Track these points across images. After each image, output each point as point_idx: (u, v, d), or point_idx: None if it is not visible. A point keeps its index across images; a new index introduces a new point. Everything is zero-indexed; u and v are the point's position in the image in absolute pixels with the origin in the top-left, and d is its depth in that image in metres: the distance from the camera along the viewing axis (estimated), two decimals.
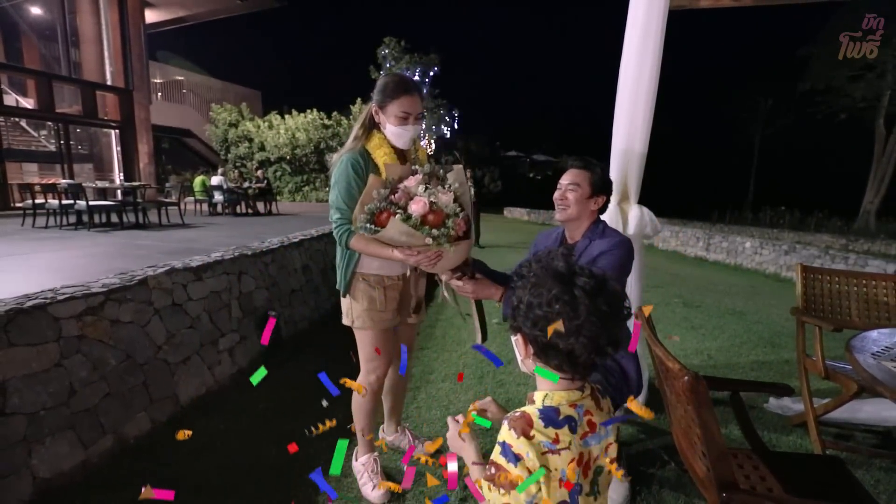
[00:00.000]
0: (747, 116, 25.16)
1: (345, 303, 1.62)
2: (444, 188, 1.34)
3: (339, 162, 1.48)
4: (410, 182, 1.36)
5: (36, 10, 13.13)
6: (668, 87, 2.20)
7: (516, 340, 0.80)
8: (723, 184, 28.74)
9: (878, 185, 16.14)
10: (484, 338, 1.61)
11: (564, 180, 1.62)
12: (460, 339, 3.48)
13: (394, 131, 1.50)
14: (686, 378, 0.84)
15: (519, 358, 0.84)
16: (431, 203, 1.28)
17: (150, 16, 14.27)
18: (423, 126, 1.82)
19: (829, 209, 16.33)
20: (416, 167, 1.42)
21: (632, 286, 2.49)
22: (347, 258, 1.55)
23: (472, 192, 8.81)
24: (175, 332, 2.35)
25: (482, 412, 0.99)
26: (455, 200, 1.33)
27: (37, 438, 1.65)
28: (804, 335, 2.22)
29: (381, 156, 1.47)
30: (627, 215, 2.46)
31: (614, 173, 2.46)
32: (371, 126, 1.54)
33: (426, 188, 1.32)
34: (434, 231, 1.26)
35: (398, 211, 1.28)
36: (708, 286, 6.18)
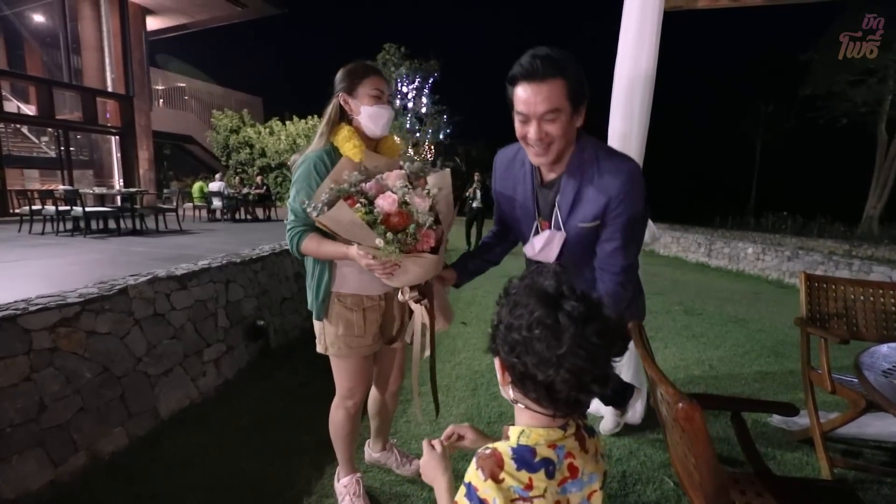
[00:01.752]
0: (748, 121, 25.11)
1: (317, 326, 1.46)
2: (425, 193, 1.21)
3: (302, 162, 1.34)
4: (390, 176, 1.22)
5: (38, 18, 13.20)
6: (668, 90, 2.13)
7: (496, 364, 0.72)
8: (724, 189, 28.65)
9: (881, 190, 16.04)
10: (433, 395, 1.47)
11: (537, 106, 1.07)
12: (454, 349, 3.39)
13: (370, 112, 1.35)
14: (681, 405, 0.76)
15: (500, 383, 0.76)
16: (402, 203, 1.14)
17: (152, 23, 14.32)
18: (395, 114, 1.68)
19: (831, 214, 16.22)
20: (403, 162, 1.30)
21: None
22: (318, 276, 1.40)
23: (478, 197, 8.71)
24: (156, 344, 2.27)
25: (458, 438, 0.90)
26: (431, 209, 1.18)
27: (2, 457, 1.57)
28: (809, 346, 2.13)
29: (349, 149, 1.32)
30: None
31: None
32: (339, 120, 1.40)
33: (406, 186, 1.19)
34: (388, 234, 1.11)
35: (362, 201, 1.15)
36: (709, 293, 6.09)
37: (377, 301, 1.46)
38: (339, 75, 1.40)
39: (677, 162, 27.26)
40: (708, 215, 19.62)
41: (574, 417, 0.71)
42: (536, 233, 1.33)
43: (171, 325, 2.38)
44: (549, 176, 1.25)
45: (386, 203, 1.13)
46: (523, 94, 1.08)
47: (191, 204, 11.35)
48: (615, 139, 2.31)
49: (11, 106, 12.45)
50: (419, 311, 1.33)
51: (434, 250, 1.20)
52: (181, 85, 18.94)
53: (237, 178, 14.01)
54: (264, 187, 12.21)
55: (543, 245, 1.30)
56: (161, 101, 17.89)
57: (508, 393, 0.72)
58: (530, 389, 0.65)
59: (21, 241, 6.05)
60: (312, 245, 1.30)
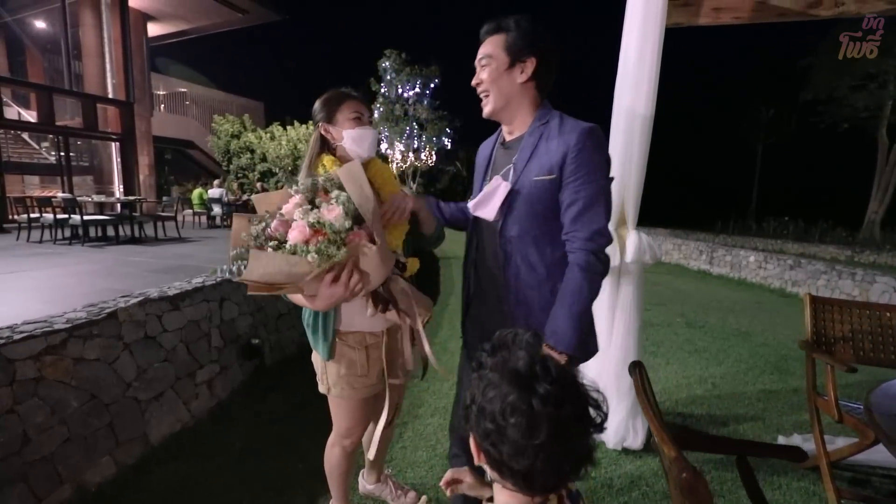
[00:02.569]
0: (749, 125, 25.08)
1: (318, 366, 1.40)
2: (333, 202, 1.09)
3: None
4: (288, 209, 1.11)
5: (40, 24, 13.25)
6: (667, 94, 2.08)
7: (471, 443, 0.67)
8: (726, 193, 28.61)
9: (882, 195, 15.98)
10: (423, 373, 1.44)
11: (478, 56, 1.21)
12: (453, 367, 3.33)
13: (352, 134, 1.31)
14: (685, 476, 0.71)
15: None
16: (312, 224, 1.04)
17: (153, 29, 14.35)
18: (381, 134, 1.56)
19: (833, 219, 16.16)
20: (294, 188, 1.17)
21: (630, 313, 2.36)
22: (324, 315, 1.31)
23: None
24: (147, 367, 2.22)
25: (455, 482, 0.86)
26: (347, 214, 1.06)
27: None
28: (814, 371, 2.08)
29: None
30: (625, 241, 2.34)
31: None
32: (321, 151, 1.35)
33: (312, 208, 1.08)
34: (310, 247, 1.00)
35: (272, 245, 1.06)
36: (711, 303, 6.03)
37: (380, 338, 1.39)
38: (316, 106, 1.36)
39: (678, 166, 27.26)
40: (709, 220, 19.59)
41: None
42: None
43: (162, 347, 2.34)
44: (510, 136, 1.28)
45: (297, 233, 1.04)
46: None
47: (191, 210, 11.34)
48: (616, 157, 2.26)
49: (12, 112, 12.47)
50: (397, 321, 1.29)
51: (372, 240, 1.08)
52: (182, 90, 18.99)
53: (236, 183, 13.98)
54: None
55: (483, 196, 1.22)
56: (162, 106, 17.94)
57: (485, 469, 0.67)
58: (507, 476, 0.61)
59: (18, 251, 6.02)
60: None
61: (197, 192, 11.41)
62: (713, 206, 24.23)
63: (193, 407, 2.47)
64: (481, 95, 1.21)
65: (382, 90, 21.09)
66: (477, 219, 1.30)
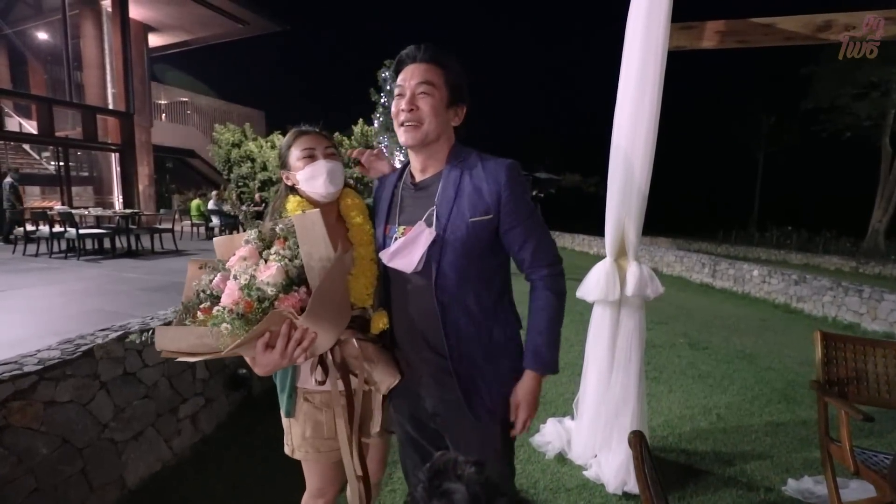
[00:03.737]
0: (749, 133, 25.01)
1: (285, 423, 1.30)
2: (279, 255, 0.98)
3: None
4: (233, 259, 1.01)
5: (42, 35, 13.31)
6: (665, 101, 2.00)
7: None
8: (726, 202, 28.53)
9: (886, 204, 15.86)
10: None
11: (412, 79, 1.08)
12: None
13: (303, 176, 1.19)
14: None
15: None
16: (244, 288, 0.92)
17: (154, 40, 14.41)
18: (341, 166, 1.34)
19: (836, 229, 16.04)
20: (250, 233, 1.06)
21: (631, 349, 2.25)
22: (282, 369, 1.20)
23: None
24: (125, 406, 2.12)
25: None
26: (289, 272, 0.95)
27: None
28: (827, 414, 1.97)
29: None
30: (625, 273, 2.24)
31: (610, 224, 2.25)
32: (286, 194, 1.26)
33: (250, 262, 0.98)
34: (225, 316, 0.89)
35: (207, 305, 0.96)
36: (715, 321, 5.91)
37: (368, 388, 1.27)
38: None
39: (678, 174, 27.15)
40: (711, 229, 19.49)
41: None
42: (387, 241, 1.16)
43: (142, 383, 2.24)
44: (423, 175, 1.18)
45: (227, 297, 0.94)
46: (403, 74, 1.11)
47: (189, 221, 11.30)
48: (615, 182, 2.17)
49: (13, 123, 12.49)
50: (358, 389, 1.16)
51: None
52: (184, 99, 19.03)
53: (235, 193, 13.94)
54: (263, 204, 12.13)
55: (403, 244, 1.09)
56: (164, 115, 17.96)
57: None
58: None
59: (13, 265, 5.95)
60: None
61: (195, 203, 11.38)
62: (714, 214, 24.13)
63: (176, 444, 2.37)
64: (407, 123, 1.08)
65: (382, 100, 21.22)
66: (393, 273, 1.16)
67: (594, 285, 2.24)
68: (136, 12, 12.30)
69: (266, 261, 1.01)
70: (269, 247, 1.05)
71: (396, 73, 1.12)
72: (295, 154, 1.23)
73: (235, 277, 0.98)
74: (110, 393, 2.07)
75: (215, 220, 10.53)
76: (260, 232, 1.09)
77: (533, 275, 1.16)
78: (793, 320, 6.36)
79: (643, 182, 2.09)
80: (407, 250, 1.08)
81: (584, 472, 2.29)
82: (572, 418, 2.63)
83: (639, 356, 2.24)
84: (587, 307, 2.37)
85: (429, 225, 1.08)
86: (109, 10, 11.80)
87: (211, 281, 1.03)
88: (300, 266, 0.97)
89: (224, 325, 0.90)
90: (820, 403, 1.99)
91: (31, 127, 12.14)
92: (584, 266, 2.58)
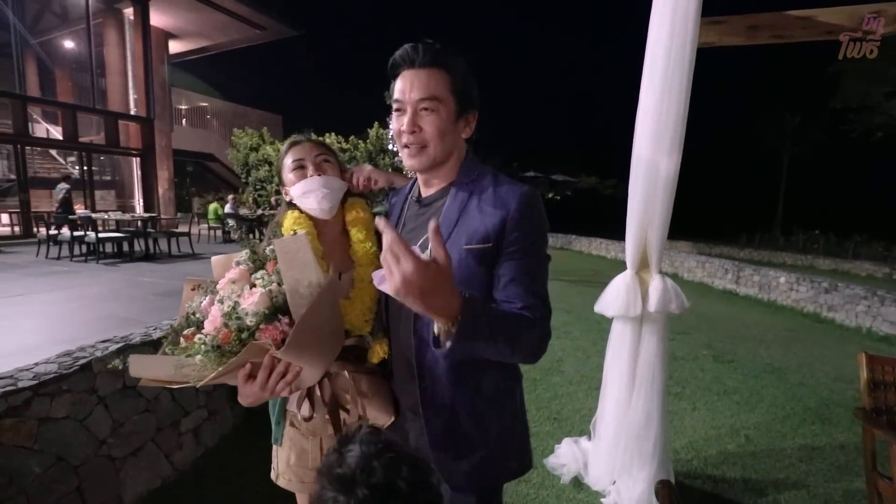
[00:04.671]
0: (773, 133, 24.28)
1: (274, 449, 1.23)
2: (264, 282, 0.91)
3: None
4: (222, 281, 0.95)
5: (68, 44, 13.68)
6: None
7: None
8: (749, 204, 27.78)
9: None
10: None
11: (412, 92, 0.91)
12: None
13: (295, 192, 1.10)
14: None
15: None
16: (226, 315, 0.85)
17: (174, 46, 14.70)
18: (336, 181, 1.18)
19: (867, 233, 15.39)
20: (242, 253, 0.98)
21: (653, 368, 2.10)
22: None
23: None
24: (124, 421, 2.06)
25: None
26: (274, 301, 0.87)
27: None
28: (873, 445, 1.79)
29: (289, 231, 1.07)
30: (647, 287, 2.09)
31: (631, 234, 2.10)
32: (286, 210, 1.17)
33: (238, 286, 0.91)
34: (204, 347, 0.82)
35: (195, 332, 0.89)
36: (740, 331, 5.66)
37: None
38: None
39: (699, 175, 26.55)
40: (733, 232, 18.95)
41: None
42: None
43: (142, 397, 2.18)
44: (429, 190, 1.03)
45: (209, 323, 0.87)
46: (400, 84, 0.94)
47: (206, 225, 11.44)
48: (637, 189, 2.02)
49: (41, 129, 12.87)
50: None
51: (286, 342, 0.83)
52: (204, 104, 19.38)
53: (251, 197, 14.09)
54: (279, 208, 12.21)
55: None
56: (184, 120, 18.30)
57: None
58: None
59: (35, 268, 6.06)
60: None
61: (212, 206, 11.52)
62: (737, 217, 23.48)
63: (177, 459, 2.30)
64: (411, 146, 0.93)
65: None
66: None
67: (613, 299, 2.10)
68: (156, 19, 12.55)
69: (253, 285, 0.92)
70: (261, 269, 0.97)
71: (393, 77, 0.96)
72: (287, 166, 1.14)
73: (221, 302, 0.91)
74: (108, 408, 2.01)
75: (232, 223, 10.65)
76: (253, 252, 1.00)
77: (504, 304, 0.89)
78: (823, 331, 6.05)
79: (668, 189, 1.95)
80: None
81: (602, 500, 2.14)
82: (589, 438, 2.49)
83: (662, 376, 2.08)
84: (605, 318, 2.23)
85: (423, 249, 0.92)
86: (131, 18, 12.06)
87: (201, 304, 0.96)
88: (283, 298, 0.88)
89: (198, 356, 0.83)
90: (866, 434, 1.81)
91: (56, 133, 12.48)
92: (601, 270, 2.45)
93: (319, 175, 1.10)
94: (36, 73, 13.70)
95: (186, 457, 2.36)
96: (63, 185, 8.61)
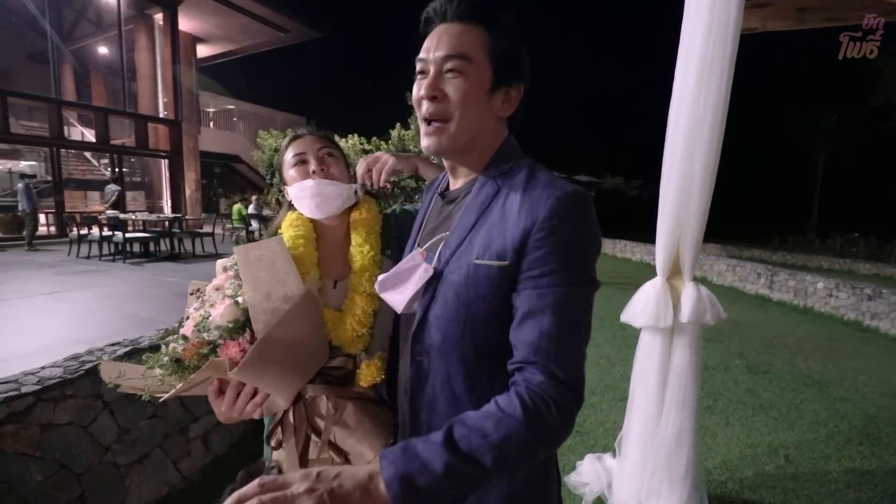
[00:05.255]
0: (808, 131, 23.22)
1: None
2: (229, 292, 0.85)
3: None
4: (208, 289, 0.89)
5: (102, 50, 14.17)
6: None
7: None
8: (782, 204, 26.70)
9: None
10: None
11: (437, 51, 0.73)
12: None
13: (293, 193, 1.00)
14: None
15: None
16: (197, 326, 0.79)
17: (202, 50, 15.04)
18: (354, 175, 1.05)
19: None
20: (231, 258, 0.91)
21: (685, 384, 1.94)
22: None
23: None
24: (130, 427, 2.02)
25: None
26: (243, 312, 0.80)
27: None
28: None
29: (288, 239, 0.97)
30: (679, 295, 1.93)
31: (662, 238, 1.94)
32: (287, 210, 1.08)
33: (226, 296, 0.84)
34: (165, 359, 0.76)
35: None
36: (775, 339, 5.35)
37: (329, 459, 1.07)
38: None
39: (729, 174, 25.63)
40: (764, 233, 18.19)
41: None
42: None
43: (149, 402, 2.13)
44: (456, 182, 0.83)
45: (187, 332, 0.81)
46: (427, 41, 0.75)
47: (230, 225, 11.65)
48: (671, 186, 1.86)
49: (76, 133, 13.35)
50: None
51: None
52: (230, 107, 19.80)
53: (275, 198, 14.29)
54: None
55: (394, 275, 0.78)
56: (212, 122, 18.74)
57: None
58: None
59: (66, 267, 6.24)
60: None
61: (236, 207, 11.73)
62: (768, 218, 22.54)
63: (185, 466, 2.25)
64: (431, 120, 0.74)
65: None
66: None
67: (642, 309, 1.94)
68: (185, 24, 12.86)
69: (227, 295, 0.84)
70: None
71: (423, 37, 0.77)
72: (287, 161, 1.03)
73: (197, 310, 0.85)
74: (114, 413, 1.97)
75: (255, 225, 10.82)
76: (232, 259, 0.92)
77: (519, 374, 0.65)
78: (866, 341, 5.68)
79: (705, 190, 1.78)
80: (398, 282, 0.78)
81: None
82: (614, 455, 2.33)
83: (695, 392, 1.92)
84: (630, 324, 2.07)
85: (431, 254, 0.78)
86: (161, 23, 12.38)
87: (191, 311, 0.89)
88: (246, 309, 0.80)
89: (157, 369, 0.78)
90: None
91: (90, 135, 12.91)
92: (626, 273, 2.29)
93: (322, 170, 0.99)
94: (72, 77, 14.23)
95: (195, 464, 2.32)
96: (114, 187, 9.11)
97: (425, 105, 0.74)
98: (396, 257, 0.93)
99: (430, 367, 0.75)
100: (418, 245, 0.84)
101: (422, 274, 0.75)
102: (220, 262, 0.98)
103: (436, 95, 0.73)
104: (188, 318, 0.88)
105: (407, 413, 0.80)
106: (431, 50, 0.73)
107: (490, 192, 0.74)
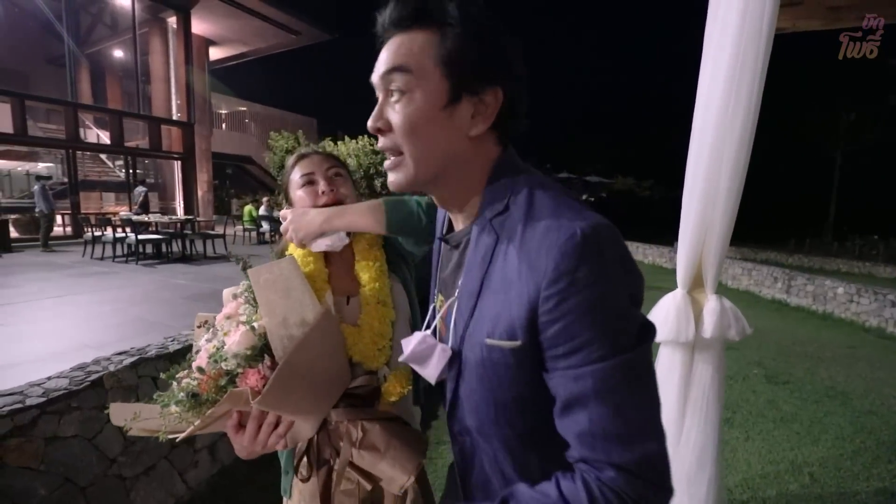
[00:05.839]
0: (825, 130, 22.72)
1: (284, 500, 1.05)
2: (244, 318, 0.81)
3: None
4: (219, 318, 0.85)
5: (117, 53, 14.38)
6: None
7: None
8: (798, 205, 26.21)
9: None
10: None
11: (376, 70, 0.61)
12: None
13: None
14: None
15: None
16: (211, 357, 0.75)
17: (214, 53, 15.18)
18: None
19: None
20: (242, 285, 0.87)
21: (707, 402, 1.86)
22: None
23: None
24: (136, 439, 1.99)
25: None
26: (259, 338, 0.76)
27: None
28: None
29: (298, 257, 0.96)
30: (701, 309, 1.84)
31: (684, 246, 1.86)
32: None
33: (231, 322, 0.81)
34: (183, 395, 0.71)
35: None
36: (794, 347, 5.19)
37: (355, 483, 0.99)
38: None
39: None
40: (780, 236, 17.83)
41: None
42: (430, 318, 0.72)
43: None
44: (457, 223, 0.69)
45: (202, 363, 0.76)
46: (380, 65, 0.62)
47: (241, 226, 11.73)
48: (696, 193, 1.78)
49: (92, 135, 13.56)
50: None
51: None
52: (243, 109, 20.00)
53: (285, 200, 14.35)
54: None
55: (415, 354, 0.66)
56: (224, 124, 18.92)
57: None
58: None
59: (79, 268, 6.31)
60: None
61: (247, 208, 11.81)
62: (784, 220, 22.11)
63: (191, 477, 2.22)
64: (384, 150, 0.63)
65: None
66: None
67: (662, 323, 1.86)
68: (198, 27, 12.98)
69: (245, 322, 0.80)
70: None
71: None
72: (294, 181, 1.01)
73: (209, 341, 0.81)
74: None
75: (265, 226, 10.87)
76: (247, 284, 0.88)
77: (584, 469, 0.51)
78: (890, 349, 5.49)
79: (731, 200, 1.69)
80: (423, 361, 0.67)
81: None
82: None
83: (717, 412, 1.83)
84: None
85: (448, 320, 0.65)
86: (174, 26, 12.51)
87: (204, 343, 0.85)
88: (263, 335, 0.76)
89: (173, 406, 0.72)
90: None
91: (105, 138, 13.09)
92: None
93: (332, 191, 0.97)
94: (88, 81, 14.45)
95: (201, 475, 2.29)
96: (142, 189, 9.62)
97: (371, 128, 0.62)
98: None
99: (475, 447, 0.65)
100: (437, 288, 0.75)
101: (440, 355, 0.65)
102: (227, 291, 0.95)
103: (380, 127, 0.61)
104: (199, 350, 0.83)
105: (461, 492, 0.71)
106: (375, 71, 0.61)
107: (488, 242, 0.59)
